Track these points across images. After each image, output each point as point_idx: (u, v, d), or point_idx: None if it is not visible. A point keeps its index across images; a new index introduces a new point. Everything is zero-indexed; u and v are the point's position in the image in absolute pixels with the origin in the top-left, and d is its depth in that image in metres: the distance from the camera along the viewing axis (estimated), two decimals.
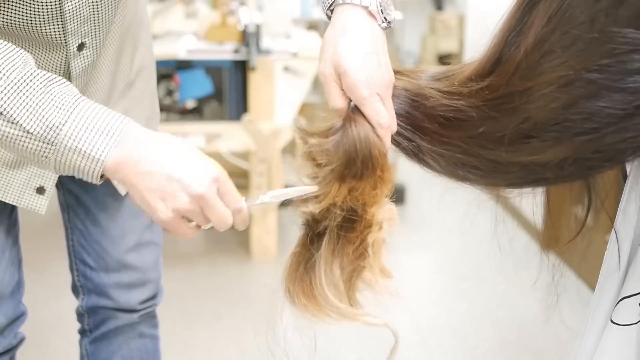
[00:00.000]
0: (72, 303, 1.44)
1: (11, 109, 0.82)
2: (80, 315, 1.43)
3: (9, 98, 0.82)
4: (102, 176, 0.85)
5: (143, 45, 1.28)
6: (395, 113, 0.88)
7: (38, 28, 0.98)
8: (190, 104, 3.10)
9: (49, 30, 1.00)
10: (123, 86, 1.24)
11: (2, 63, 0.83)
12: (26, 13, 0.96)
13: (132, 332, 1.42)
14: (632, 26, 0.65)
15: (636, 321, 0.76)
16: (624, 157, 0.72)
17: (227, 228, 0.87)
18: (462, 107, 0.81)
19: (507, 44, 0.77)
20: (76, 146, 0.82)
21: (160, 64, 2.92)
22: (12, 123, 0.82)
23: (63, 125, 0.82)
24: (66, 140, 0.82)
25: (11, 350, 1.25)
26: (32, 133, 0.82)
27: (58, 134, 0.82)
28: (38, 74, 0.84)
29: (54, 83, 0.84)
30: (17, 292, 1.25)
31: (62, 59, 1.05)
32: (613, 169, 0.76)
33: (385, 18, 0.90)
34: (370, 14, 0.89)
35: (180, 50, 2.97)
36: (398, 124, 0.88)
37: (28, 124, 0.82)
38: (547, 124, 0.73)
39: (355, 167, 0.85)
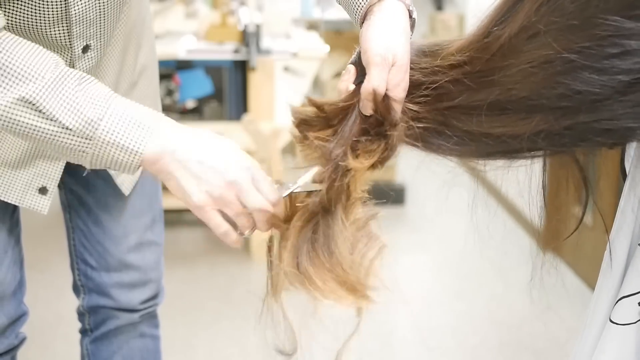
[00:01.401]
0: (73, 303, 1.45)
1: (50, 106, 0.85)
2: (81, 315, 1.43)
3: (47, 96, 0.85)
4: (139, 168, 0.89)
5: (146, 45, 1.28)
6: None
7: (43, 30, 0.99)
8: (190, 104, 3.10)
9: (54, 33, 1.00)
10: (127, 86, 1.24)
11: (36, 64, 0.85)
12: (32, 15, 0.96)
13: (133, 332, 1.42)
14: (619, 16, 0.67)
15: (635, 320, 0.77)
16: (599, 140, 0.73)
17: (267, 224, 0.89)
18: (441, 82, 0.84)
19: (495, 25, 0.78)
20: (114, 140, 0.86)
21: (160, 64, 2.91)
22: (51, 120, 0.85)
23: (101, 120, 0.85)
24: (104, 135, 0.86)
25: (12, 350, 1.26)
26: (70, 129, 0.85)
27: (96, 129, 0.85)
28: (71, 73, 0.87)
29: (86, 81, 0.88)
30: (19, 292, 1.25)
31: (66, 61, 1.05)
32: (590, 150, 0.77)
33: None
34: (410, 17, 0.93)
35: (180, 50, 2.97)
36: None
37: (67, 120, 0.85)
38: (523, 98, 0.75)
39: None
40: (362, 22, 0.95)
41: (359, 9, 0.95)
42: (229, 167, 0.87)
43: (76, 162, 0.90)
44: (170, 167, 0.87)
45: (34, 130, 0.86)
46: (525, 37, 0.74)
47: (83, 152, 0.87)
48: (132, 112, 0.87)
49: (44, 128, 0.86)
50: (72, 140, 0.86)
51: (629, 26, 0.67)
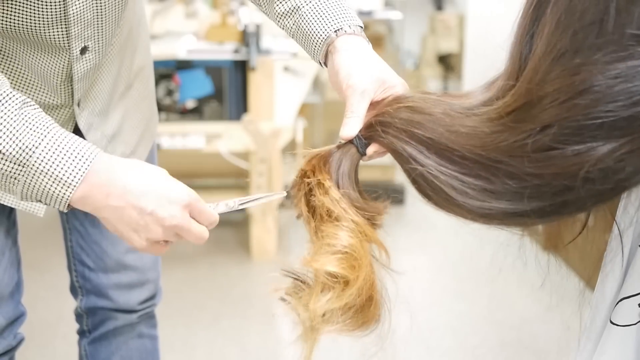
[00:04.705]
0: (71, 303, 1.44)
1: None
2: (78, 316, 1.43)
3: None
4: (68, 205, 0.85)
5: (142, 46, 1.27)
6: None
7: (41, 31, 0.98)
8: (190, 104, 3.10)
9: (52, 34, 0.99)
10: (123, 88, 1.23)
11: None
12: (30, 16, 0.95)
13: (131, 333, 1.42)
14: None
15: (636, 322, 0.76)
16: None
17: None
18: (478, 126, 0.76)
19: (523, 51, 0.72)
20: (48, 169, 0.83)
21: (160, 64, 2.92)
22: None
23: (36, 147, 0.82)
24: (38, 163, 0.82)
25: (10, 351, 1.25)
26: (4, 153, 0.82)
27: (31, 156, 0.82)
28: (13, 96, 0.84)
29: (28, 106, 0.84)
30: (17, 293, 1.25)
31: (64, 63, 1.05)
32: None
33: None
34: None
35: (180, 50, 2.97)
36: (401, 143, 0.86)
37: (1, 144, 0.82)
38: (568, 133, 0.66)
39: None
40: (325, 58, 0.98)
41: (318, 43, 0.97)
42: (168, 213, 0.85)
43: (7, 192, 0.86)
44: (104, 212, 0.85)
45: None
46: (552, 58, 0.67)
47: (15, 178, 0.83)
48: (70, 143, 0.84)
49: None
50: (4, 165, 0.83)
51: None
